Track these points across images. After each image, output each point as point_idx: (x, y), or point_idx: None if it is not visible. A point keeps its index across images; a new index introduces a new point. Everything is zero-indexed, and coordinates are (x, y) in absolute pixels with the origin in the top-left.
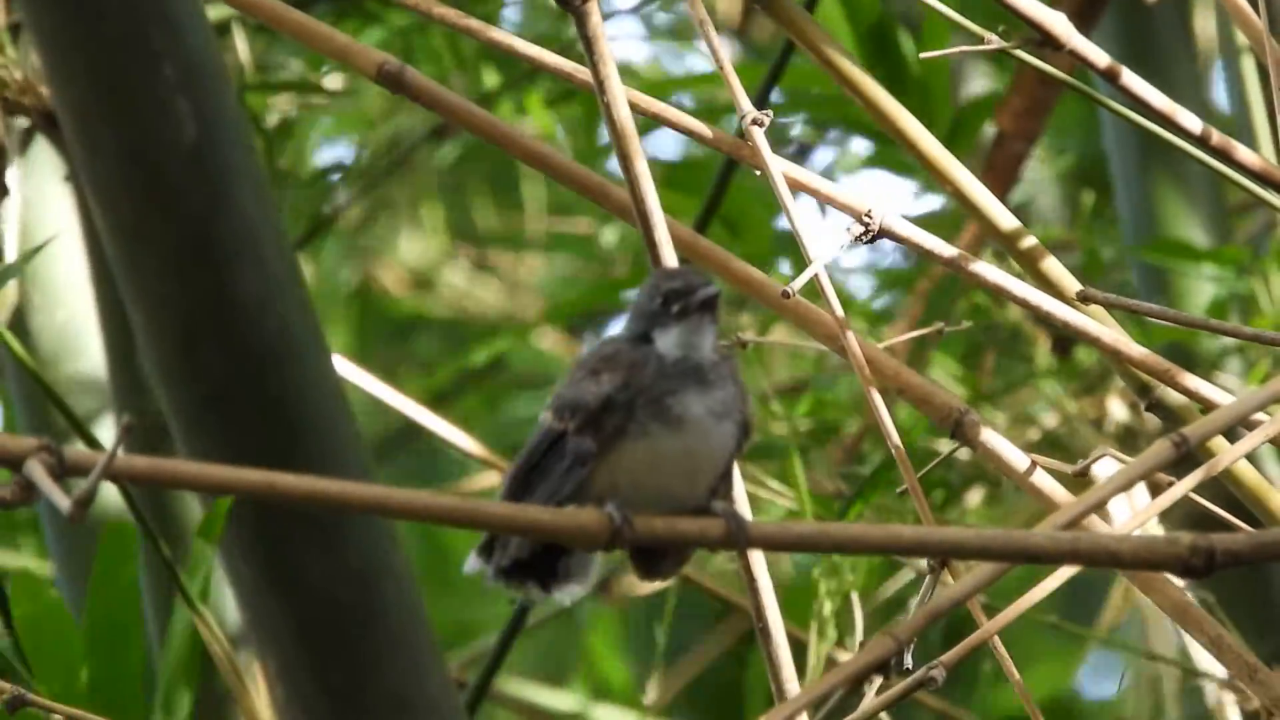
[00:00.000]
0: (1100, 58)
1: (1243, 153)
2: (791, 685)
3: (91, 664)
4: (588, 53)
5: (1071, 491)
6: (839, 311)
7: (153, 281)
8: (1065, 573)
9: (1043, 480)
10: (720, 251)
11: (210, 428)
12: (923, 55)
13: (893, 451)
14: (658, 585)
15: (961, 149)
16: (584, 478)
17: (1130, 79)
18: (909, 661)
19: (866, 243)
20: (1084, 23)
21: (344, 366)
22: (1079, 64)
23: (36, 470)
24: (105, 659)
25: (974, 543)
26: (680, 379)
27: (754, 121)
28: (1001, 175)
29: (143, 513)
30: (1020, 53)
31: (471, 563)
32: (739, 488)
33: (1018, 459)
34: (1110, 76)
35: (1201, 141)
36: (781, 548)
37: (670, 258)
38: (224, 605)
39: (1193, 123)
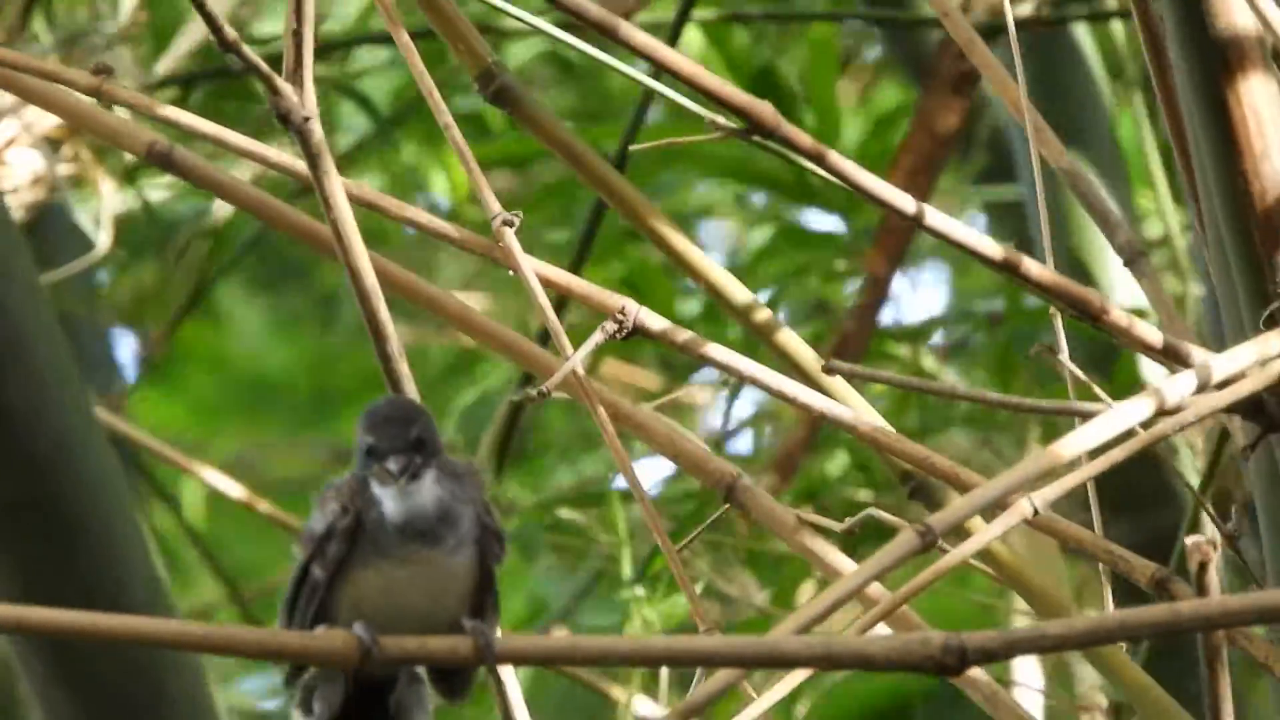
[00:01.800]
0: (804, 140)
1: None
2: None
3: None
4: (311, 169)
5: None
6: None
7: None
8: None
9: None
10: (490, 323)
11: None
12: (633, 147)
13: (651, 526)
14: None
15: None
16: (327, 601)
17: (837, 160)
18: None
19: (622, 339)
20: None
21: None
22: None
23: None
24: None
25: (726, 651)
26: (400, 535)
27: (505, 222)
28: (893, 238)
29: None
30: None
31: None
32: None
33: (785, 518)
34: (815, 157)
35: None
36: (530, 662)
37: (406, 376)
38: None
39: (907, 204)
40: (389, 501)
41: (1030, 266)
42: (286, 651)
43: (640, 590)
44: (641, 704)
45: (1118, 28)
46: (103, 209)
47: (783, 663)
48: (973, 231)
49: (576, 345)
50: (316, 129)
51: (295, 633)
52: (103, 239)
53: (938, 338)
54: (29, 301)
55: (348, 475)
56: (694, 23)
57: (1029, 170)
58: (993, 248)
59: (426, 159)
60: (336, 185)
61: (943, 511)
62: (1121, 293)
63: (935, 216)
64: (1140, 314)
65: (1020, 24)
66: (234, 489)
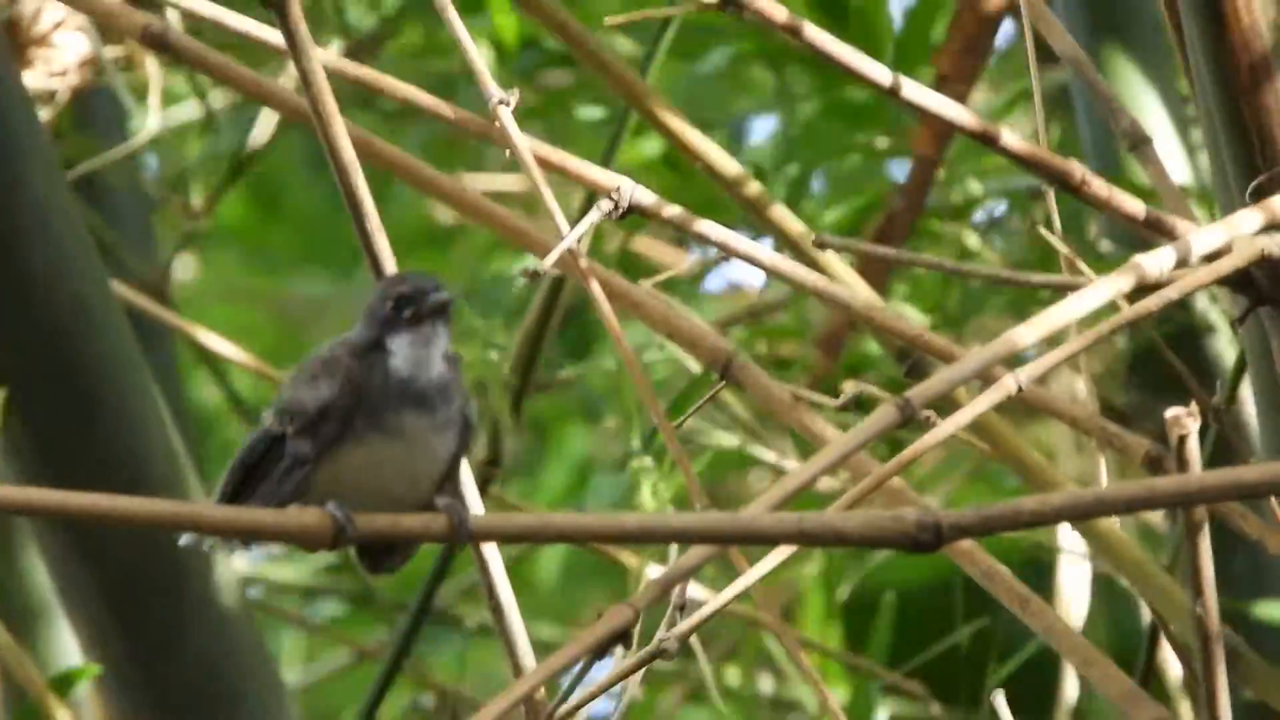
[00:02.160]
0: (780, 14)
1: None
2: (529, 661)
3: None
4: (289, 46)
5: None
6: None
7: None
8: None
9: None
10: (490, 205)
11: (8, 404)
12: (607, 20)
13: (646, 398)
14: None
15: (913, 68)
16: (302, 480)
17: (813, 33)
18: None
19: (617, 218)
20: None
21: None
22: None
23: None
24: None
25: (699, 528)
26: (400, 399)
27: (501, 102)
28: (937, 129)
29: None
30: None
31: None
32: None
33: (781, 395)
34: (793, 31)
35: (892, 93)
36: (504, 539)
37: (385, 251)
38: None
39: (883, 75)
40: (404, 347)
41: (1008, 138)
42: (260, 529)
43: (649, 462)
44: (653, 571)
45: None
46: (150, 91)
47: (757, 539)
48: (948, 101)
49: None
50: (294, 6)
51: (268, 511)
52: (151, 121)
53: (979, 216)
54: (47, 176)
55: (337, 346)
56: None
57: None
58: (969, 119)
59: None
60: (314, 63)
61: (922, 384)
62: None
63: (910, 87)
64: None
65: None
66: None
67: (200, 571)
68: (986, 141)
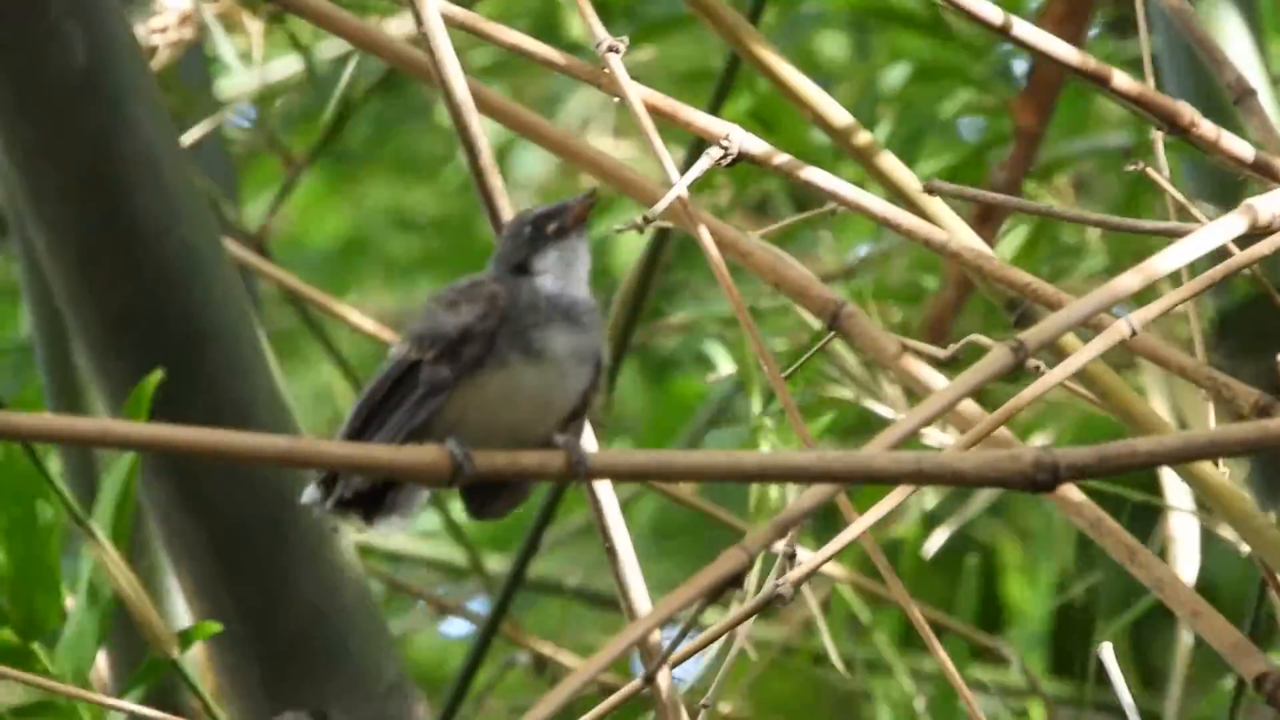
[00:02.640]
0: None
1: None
2: (643, 603)
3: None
4: None
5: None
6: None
7: (52, 205)
8: (904, 492)
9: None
10: (597, 152)
11: (113, 349)
12: None
13: (758, 354)
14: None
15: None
16: (438, 407)
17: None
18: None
19: (726, 166)
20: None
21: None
22: None
23: None
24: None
25: (816, 467)
26: (549, 314)
27: (610, 48)
28: (1045, 89)
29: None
30: None
31: (310, 493)
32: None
33: (889, 345)
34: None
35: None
36: (622, 477)
37: (499, 189)
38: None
39: (994, 13)
40: (552, 263)
41: (1120, 79)
42: (379, 465)
43: (768, 421)
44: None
45: None
46: (252, 46)
47: (874, 478)
48: (1059, 42)
49: None
50: None
51: (385, 446)
52: (247, 76)
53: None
54: (157, 122)
55: (478, 277)
56: None
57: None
58: (1081, 58)
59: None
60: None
61: (1035, 328)
62: None
63: (1021, 26)
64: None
65: None
66: (368, 323)
67: (309, 522)
68: (1099, 82)
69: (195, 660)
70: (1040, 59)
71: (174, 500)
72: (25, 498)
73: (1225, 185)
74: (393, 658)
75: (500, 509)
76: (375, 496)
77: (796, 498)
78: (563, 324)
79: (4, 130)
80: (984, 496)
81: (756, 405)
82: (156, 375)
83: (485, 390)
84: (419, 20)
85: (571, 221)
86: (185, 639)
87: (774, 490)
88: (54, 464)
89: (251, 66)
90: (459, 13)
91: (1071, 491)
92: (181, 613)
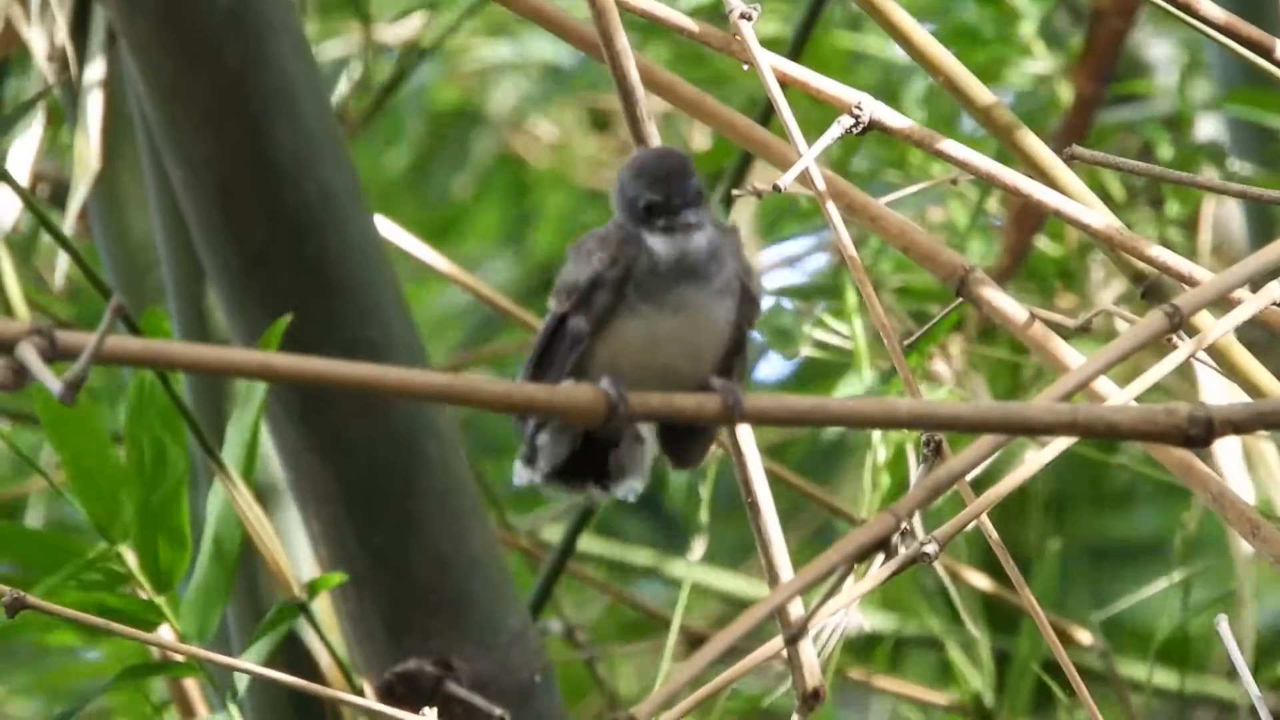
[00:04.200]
0: None
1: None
2: (784, 563)
3: (134, 496)
4: None
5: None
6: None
7: (190, 141)
8: (1061, 444)
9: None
10: (725, 110)
11: (250, 288)
12: None
13: (877, 324)
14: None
15: None
16: (580, 356)
17: None
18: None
19: (858, 134)
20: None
21: (388, 229)
22: None
23: (29, 354)
24: (149, 495)
25: (971, 416)
26: (670, 276)
27: (742, 15)
28: (1103, 54)
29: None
30: None
31: (520, 474)
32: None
33: (1018, 313)
34: None
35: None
36: (777, 422)
37: (653, 135)
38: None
39: None
40: (664, 248)
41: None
42: (533, 405)
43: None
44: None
45: None
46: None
47: (1029, 429)
48: None
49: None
50: None
51: (541, 386)
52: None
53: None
54: (298, 56)
55: (610, 225)
56: None
57: None
58: None
59: None
60: None
61: (1190, 292)
62: None
63: None
64: None
65: None
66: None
67: (439, 466)
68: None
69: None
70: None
71: (305, 443)
72: (158, 441)
73: None
74: (516, 608)
75: (696, 457)
76: (594, 463)
77: (916, 476)
78: (687, 280)
79: (145, 64)
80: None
81: (866, 379)
82: (285, 320)
83: (626, 338)
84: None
85: (680, 230)
86: (313, 587)
87: (886, 476)
88: None
89: None
90: None
91: (1196, 464)
92: (303, 561)
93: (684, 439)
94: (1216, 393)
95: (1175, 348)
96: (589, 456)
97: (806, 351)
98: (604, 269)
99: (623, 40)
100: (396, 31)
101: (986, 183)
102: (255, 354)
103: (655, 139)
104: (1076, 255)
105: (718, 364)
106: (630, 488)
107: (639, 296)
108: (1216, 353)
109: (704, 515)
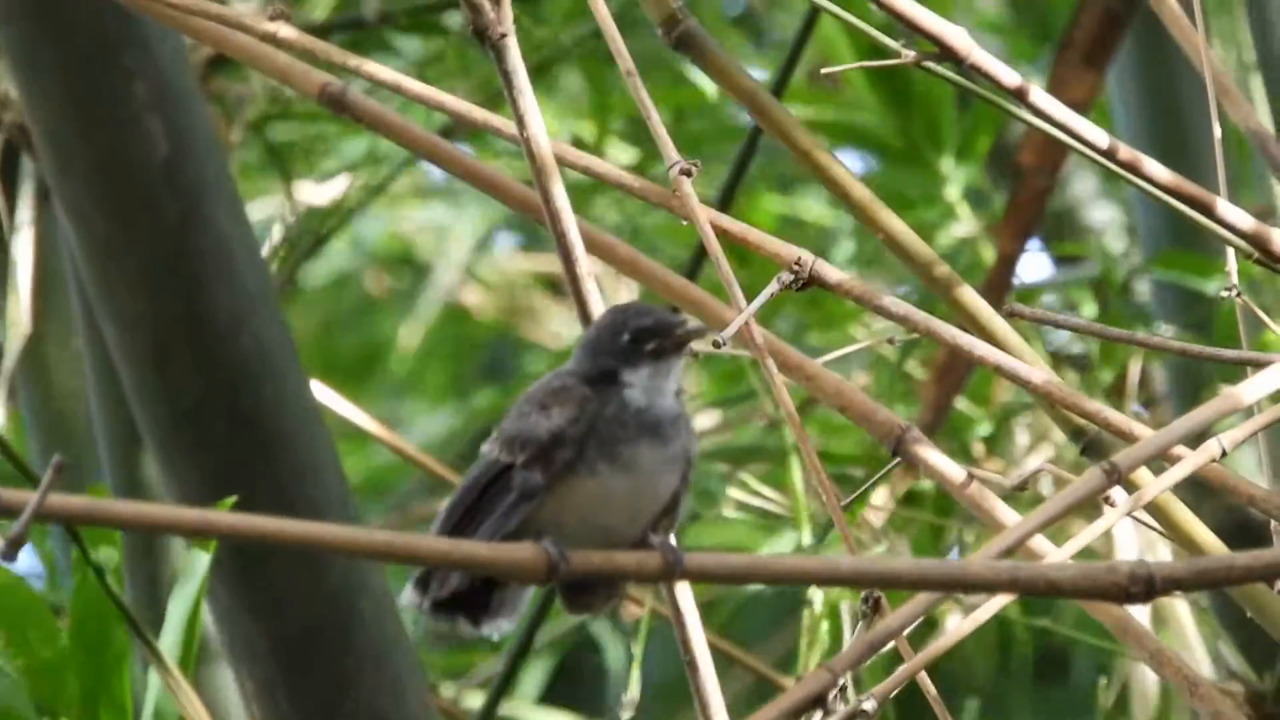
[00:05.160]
0: (1007, 75)
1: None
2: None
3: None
4: (506, 87)
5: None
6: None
7: (125, 298)
8: (999, 602)
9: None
10: (665, 271)
11: (183, 445)
12: (823, 70)
13: (815, 477)
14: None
15: (972, 160)
16: (530, 513)
17: (1038, 96)
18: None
19: (797, 290)
20: (1102, 50)
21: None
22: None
23: None
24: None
25: (911, 573)
26: (637, 430)
27: (682, 171)
28: (1025, 212)
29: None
30: (932, 65)
31: (408, 595)
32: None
33: (956, 473)
34: (1019, 95)
35: (1109, 155)
36: (717, 580)
37: (593, 293)
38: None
39: (1100, 139)
40: (642, 379)
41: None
42: (474, 562)
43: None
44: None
45: None
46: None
47: (969, 586)
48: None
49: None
50: (512, 45)
51: (483, 544)
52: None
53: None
54: (234, 212)
55: (562, 376)
56: None
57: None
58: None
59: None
60: (530, 102)
61: (1128, 449)
62: None
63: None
64: None
65: None
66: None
67: (374, 625)
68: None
69: None
70: (1023, 179)
71: (238, 603)
72: (99, 623)
73: None
74: None
75: (598, 605)
76: (476, 599)
77: (853, 632)
78: (650, 439)
79: (79, 222)
80: None
81: (805, 536)
82: (229, 501)
83: (577, 495)
84: (520, 124)
85: (673, 347)
86: None
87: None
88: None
89: None
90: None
91: (1133, 622)
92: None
93: (586, 588)
94: (1132, 550)
95: (1110, 504)
96: (479, 591)
97: (728, 512)
98: (567, 425)
99: (562, 198)
100: (324, 191)
101: (926, 337)
102: (196, 512)
103: (595, 295)
104: (1000, 418)
105: (653, 521)
106: (497, 627)
107: (598, 454)
108: (1155, 509)
109: (635, 677)
